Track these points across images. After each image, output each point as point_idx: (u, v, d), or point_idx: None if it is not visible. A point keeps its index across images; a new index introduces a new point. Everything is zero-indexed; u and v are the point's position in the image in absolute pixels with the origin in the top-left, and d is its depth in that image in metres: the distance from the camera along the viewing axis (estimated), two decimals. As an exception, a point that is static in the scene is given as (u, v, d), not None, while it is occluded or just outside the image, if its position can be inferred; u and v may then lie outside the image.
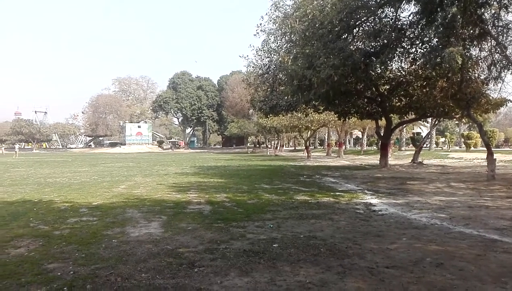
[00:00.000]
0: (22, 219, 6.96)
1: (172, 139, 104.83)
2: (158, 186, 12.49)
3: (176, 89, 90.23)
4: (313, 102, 17.55)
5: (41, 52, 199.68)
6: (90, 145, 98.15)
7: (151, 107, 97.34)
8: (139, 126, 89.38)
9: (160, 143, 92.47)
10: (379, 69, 14.22)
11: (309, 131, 40.85)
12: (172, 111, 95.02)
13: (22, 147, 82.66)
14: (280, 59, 15.87)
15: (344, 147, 41.63)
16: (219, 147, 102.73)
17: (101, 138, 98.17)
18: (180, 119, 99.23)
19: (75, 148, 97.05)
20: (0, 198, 9.77)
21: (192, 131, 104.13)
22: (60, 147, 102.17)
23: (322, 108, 20.80)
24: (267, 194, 10.36)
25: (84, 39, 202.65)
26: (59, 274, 4.06)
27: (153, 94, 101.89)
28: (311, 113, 26.38)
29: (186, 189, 11.54)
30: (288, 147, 74.26)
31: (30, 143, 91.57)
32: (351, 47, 13.64)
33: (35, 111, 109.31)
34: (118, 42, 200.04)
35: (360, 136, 55.00)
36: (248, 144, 78.36)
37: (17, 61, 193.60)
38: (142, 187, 12.25)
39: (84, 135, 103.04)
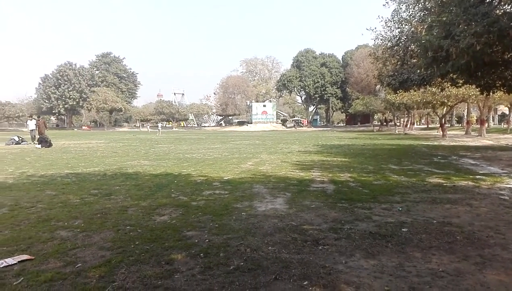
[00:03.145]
0: (165, 190, 7.82)
1: (295, 118, 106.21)
2: (282, 163, 12.83)
3: (300, 67, 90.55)
4: (451, 75, 15.82)
5: (180, 41, 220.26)
6: (221, 124, 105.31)
7: (275, 87, 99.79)
8: (264, 106, 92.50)
9: (283, 121, 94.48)
10: (532, 35, 12.04)
11: (445, 108, 37.18)
12: (296, 90, 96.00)
13: (164, 125, 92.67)
14: (413, 29, 14.60)
15: (486, 125, 36.95)
16: (342, 125, 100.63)
17: (230, 117, 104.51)
18: (303, 98, 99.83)
19: (208, 126, 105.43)
20: (147, 171, 11.13)
21: (315, 109, 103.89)
22: (196, 125, 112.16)
23: (461, 81, 18.55)
24: (395, 175, 9.81)
25: (213, 25, 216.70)
26: (196, 241, 4.49)
27: (278, 74, 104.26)
28: (447, 87, 23.79)
29: (309, 167, 11.62)
30: (419, 124, 69.00)
31: (170, 122, 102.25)
32: (497, 11, 11.82)
33: (174, 93, 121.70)
34: (245, 25, 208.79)
35: (507, 112, 48.01)
36: (374, 122, 74.96)
37: (160, 49, 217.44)
38: (267, 164, 12.72)
39: (216, 114, 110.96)
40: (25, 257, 3.94)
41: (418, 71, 17.72)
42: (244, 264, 3.74)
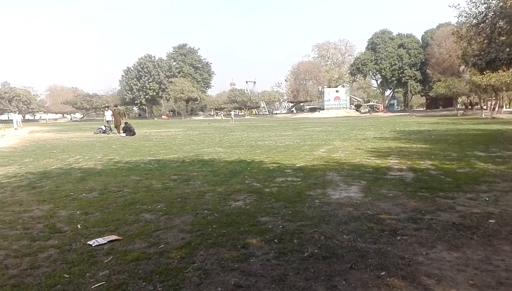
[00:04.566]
0: (239, 176, 8.03)
1: (370, 103, 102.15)
2: (356, 150, 12.48)
3: (375, 49, 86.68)
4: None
5: (252, 29, 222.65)
6: (292, 111, 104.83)
7: (349, 71, 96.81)
8: (337, 91, 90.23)
9: (357, 107, 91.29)
10: None
11: (540, 88, 33.46)
12: (371, 74, 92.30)
13: (237, 113, 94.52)
14: (501, 4, 13.29)
15: None
16: (422, 109, 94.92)
17: (301, 104, 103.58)
18: (378, 82, 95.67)
19: (279, 113, 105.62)
20: (222, 157, 11.49)
21: (391, 93, 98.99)
22: (267, 112, 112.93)
23: (559, 59, 16.59)
24: (481, 163, 9.08)
25: (284, 11, 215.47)
26: (270, 227, 4.57)
27: (351, 57, 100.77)
28: (543, 66, 21.41)
29: (386, 154, 11.17)
30: (509, 107, 62.93)
31: (242, 110, 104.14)
32: None
33: (246, 82, 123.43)
34: (318, 8, 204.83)
35: None
36: (458, 105, 69.67)
37: (232, 38, 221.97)
38: (340, 151, 12.46)
39: (287, 101, 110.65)
40: (114, 237, 4.31)
41: (508, 49, 16.14)
42: (319, 252, 3.73)
